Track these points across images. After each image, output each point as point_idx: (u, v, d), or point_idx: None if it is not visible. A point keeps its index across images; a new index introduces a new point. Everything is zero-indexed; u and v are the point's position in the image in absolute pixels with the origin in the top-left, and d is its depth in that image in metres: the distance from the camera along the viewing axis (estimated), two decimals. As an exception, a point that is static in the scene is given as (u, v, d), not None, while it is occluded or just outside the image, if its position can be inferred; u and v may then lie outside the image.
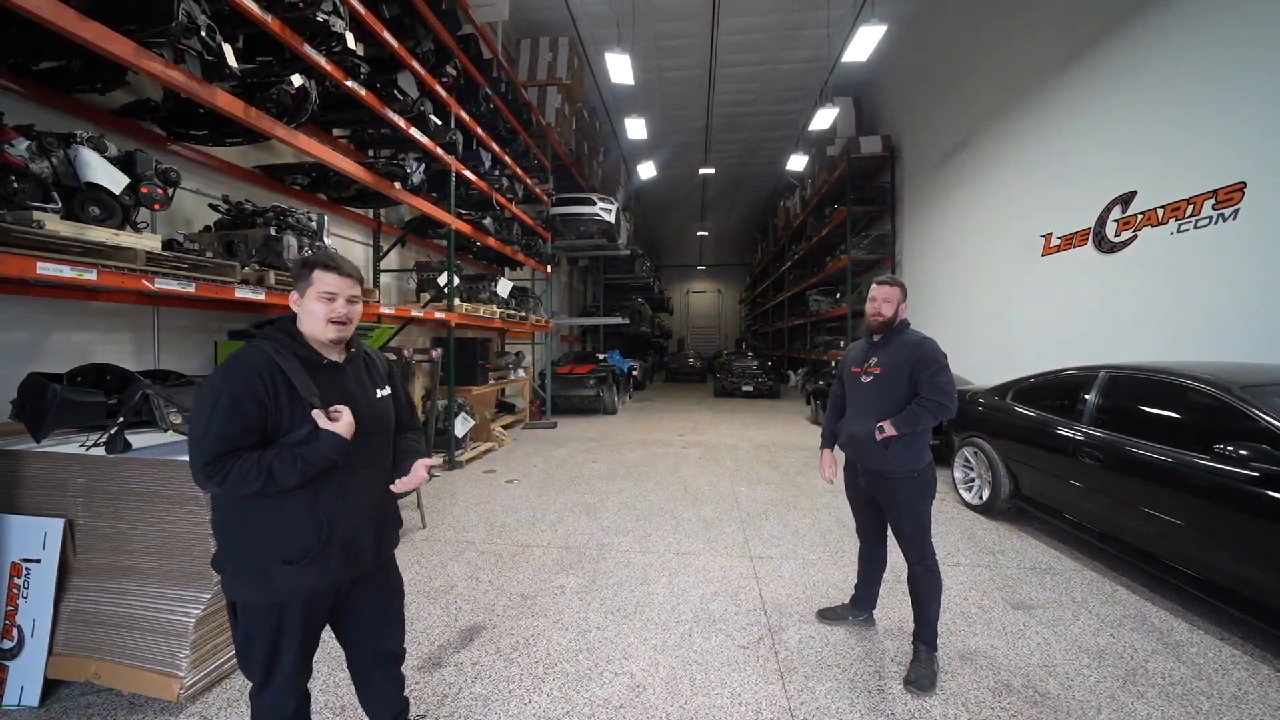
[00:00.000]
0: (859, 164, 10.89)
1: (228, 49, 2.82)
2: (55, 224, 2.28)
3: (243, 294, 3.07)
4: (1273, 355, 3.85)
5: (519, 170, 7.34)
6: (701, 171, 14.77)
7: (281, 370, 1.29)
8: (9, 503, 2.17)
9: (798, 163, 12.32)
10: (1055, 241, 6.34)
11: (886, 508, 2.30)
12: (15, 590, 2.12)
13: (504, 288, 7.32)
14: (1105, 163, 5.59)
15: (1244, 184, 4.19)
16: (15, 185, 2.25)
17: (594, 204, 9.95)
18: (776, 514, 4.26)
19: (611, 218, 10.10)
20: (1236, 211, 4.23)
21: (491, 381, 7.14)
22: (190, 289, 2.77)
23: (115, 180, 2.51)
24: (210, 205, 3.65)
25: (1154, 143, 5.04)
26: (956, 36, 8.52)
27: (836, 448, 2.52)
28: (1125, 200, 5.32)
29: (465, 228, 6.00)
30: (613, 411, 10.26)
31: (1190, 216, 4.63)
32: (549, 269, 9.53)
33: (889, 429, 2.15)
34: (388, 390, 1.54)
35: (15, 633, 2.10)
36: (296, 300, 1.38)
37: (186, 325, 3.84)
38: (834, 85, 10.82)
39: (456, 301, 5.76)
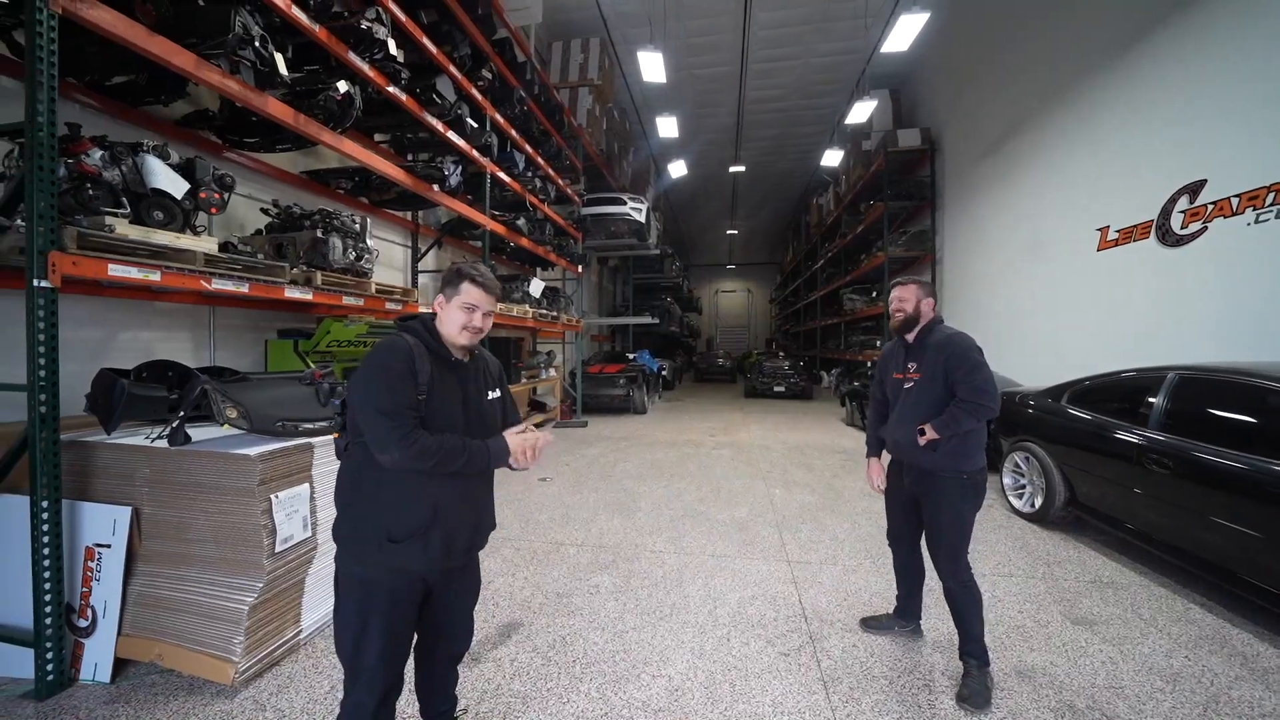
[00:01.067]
0: (897, 158, 10.54)
1: (279, 58, 2.93)
2: (124, 228, 2.41)
3: (291, 294, 3.19)
4: (1370, 356, 3.51)
5: (551, 171, 7.40)
6: (732, 169, 14.61)
7: (415, 359, 1.42)
8: (84, 490, 2.31)
9: (832, 158, 12.05)
10: (1113, 235, 5.97)
11: (928, 509, 2.20)
12: (89, 573, 2.25)
13: (536, 288, 7.41)
14: (1171, 150, 5.22)
15: (1336, 169, 3.84)
16: (90, 192, 2.39)
17: (624, 204, 9.97)
18: (813, 518, 4.14)
19: (642, 217, 10.10)
20: (1327, 199, 3.88)
21: (524, 380, 7.24)
22: (244, 289, 2.89)
23: (177, 186, 2.64)
24: (261, 209, 3.82)
25: (1227, 126, 4.67)
26: (1002, 21, 8.13)
27: (884, 453, 2.44)
28: (1194, 190, 4.96)
29: (499, 229, 6.09)
30: (643, 411, 10.25)
31: (1271, 205, 4.27)
32: (580, 269, 9.60)
33: (930, 432, 2.09)
34: (498, 394, 1.64)
35: (90, 612, 2.23)
36: (441, 303, 1.51)
37: (240, 325, 4.03)
38: (870, 78, 10.51)
39: (490, 301, 5.83)
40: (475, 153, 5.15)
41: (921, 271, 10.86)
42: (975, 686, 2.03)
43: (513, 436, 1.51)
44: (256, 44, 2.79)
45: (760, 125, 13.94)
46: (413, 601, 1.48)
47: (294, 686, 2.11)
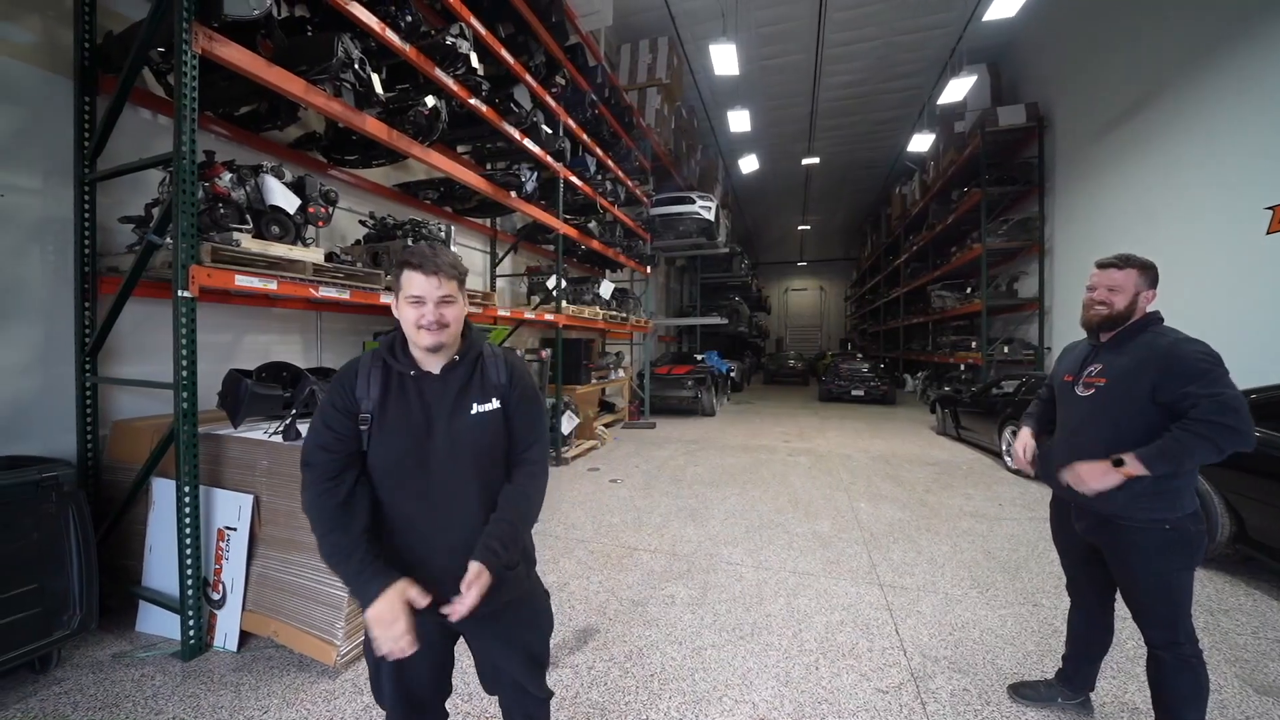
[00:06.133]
0: (996, 139, 9.51)
1: (375, 78, 3.13)
2: (248, 242, 2.67)
3: (386, 299, 3.40)
4: None
5: (620, 173, 7.44)
6: (805, 162, 13.98)
7: (358, 381, 1.19)
8: (217, 478, 2.58)
9: (919, 143, 11.14)
10: (1289, 213, 4.95)
11: (1115, 567, 1.65)
12: (221, 551, 2.51)
13: (606, 289, 7.47)
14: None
15: None
16: (222, 211, 2.67)
17: (693, 202, 9.83)
18: (906, 536, 3.79)
19: (711, 215, 9.90)
20: None
21: (594, 381, 7.32)
22: (346, 295, 3.11)
23: (290, 202, 2.89)
24: (360, 221, 4.12)
25: None
26: (1134, -27, 7.05)
27: (1040, 449, 1.90)
28: None
29: (572, 232, 6.20)
30: (711, 413, 10.04)
31: None
32: (648, 270, 9.58)
33: (1132, 465, 1.46)
34: (494, 405, 1.22)
35: (221, 587, 2.48)
36: (394, 304, 1.20)
37: (343, 328, 4.38)
38: (961, 52, 9.57)
39: (564, 303, 5.96)
40: (549, 158, 5.26)
41: (1027, 264, 9.72)
42: None
43: (386, 602, 1.07)
44: (356, 67, 2.99)
45: (835, 114, 13.20)
46: (429, 645, 1.19)
47: (387, 673, 2.21)
